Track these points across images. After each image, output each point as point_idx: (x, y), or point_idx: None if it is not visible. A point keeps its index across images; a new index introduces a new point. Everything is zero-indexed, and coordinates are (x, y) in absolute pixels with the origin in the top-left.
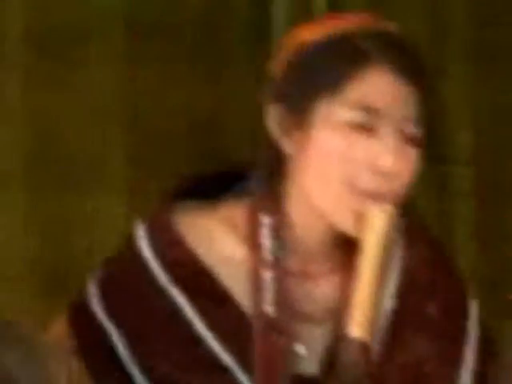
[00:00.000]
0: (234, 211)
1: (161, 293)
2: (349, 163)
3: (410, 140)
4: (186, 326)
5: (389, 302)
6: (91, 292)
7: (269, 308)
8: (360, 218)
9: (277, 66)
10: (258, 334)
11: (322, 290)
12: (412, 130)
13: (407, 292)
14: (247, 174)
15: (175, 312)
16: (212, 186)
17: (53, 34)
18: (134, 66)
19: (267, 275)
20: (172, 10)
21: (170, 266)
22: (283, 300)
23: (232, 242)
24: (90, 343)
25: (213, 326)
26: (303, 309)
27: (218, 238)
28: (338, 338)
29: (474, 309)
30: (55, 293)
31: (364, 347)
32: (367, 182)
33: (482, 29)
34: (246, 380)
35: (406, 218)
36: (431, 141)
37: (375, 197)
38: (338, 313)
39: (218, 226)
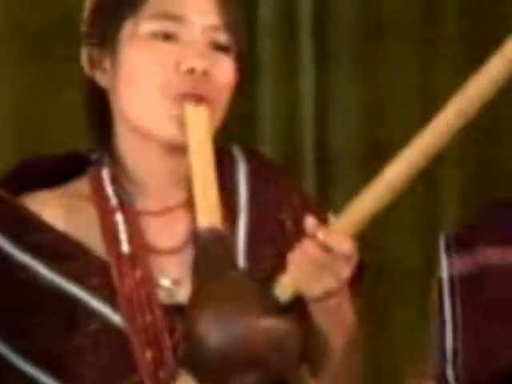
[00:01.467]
0: (81, 181)
1: (11, 263)
2: (158, 72)
3: (221, 48)
4: (48, 284)
5: (242, 219)
6: None
7: (124, 247)
8: (181, 122)
9: (86, 11)
10: (117, 274)
11: (176, 222)
12: (220, 37)
13: (257, 206)
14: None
15: (31, 275)
16: (63, 170)
17: (41, 31)
18: None
19: (118, 218)
20: None
21: (16, 234)
22: (136, 238)
23: (80, 206)
24: None
25: (75, 278)
26: (160, 244)
27: (68, 205)
28: (194, 234)
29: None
30: None
31: (217, 233)
32: (179, 85)
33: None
34: (118, 321)
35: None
36: None
37: (191, 98)
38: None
39: (64, 193)
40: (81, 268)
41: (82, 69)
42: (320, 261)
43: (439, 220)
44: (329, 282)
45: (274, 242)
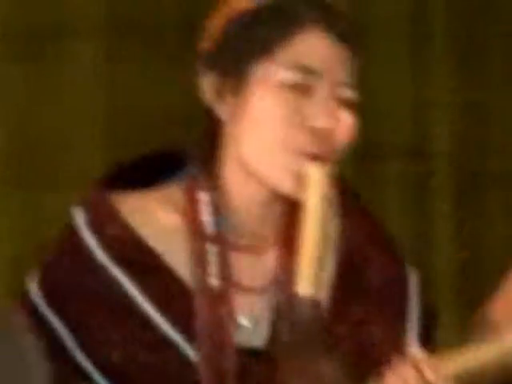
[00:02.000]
0: (173, 190)
1: (100, 272)
2: (284, 124)
3: (346, 103)
4: (128, 302)
5: (331, 273)
6: (33, 281)
7: (213, 281)
8: (298, 178)
9: (209, 35)
10: (202, 307)
11: (264, 262)
12: (348, 93)
13: (347, 266)
14: (187, 156)
15: (117, 291)
16: (151, 171)
17: (32, 31)
18: (113, 65)
19: (211, 249)
20: (151, 10)
21: (107, 242)
22: (227, 273)
23: (172, 220)
24: (37, 334)
25: (156, 302)
26: (246, 281)
27: (159, 217)
28: (288, 299)
29: (413, 277)
30: None
31: (315, 303)
32: (303, 142)
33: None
34: (193, 354)
35: (340, 188)
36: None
37: (312, 157)
38: (281, 284)
39: (158, 204)
40: (164, 290)
41: (73, 69)
42: None
43: None
44: None
45: (361, 298)
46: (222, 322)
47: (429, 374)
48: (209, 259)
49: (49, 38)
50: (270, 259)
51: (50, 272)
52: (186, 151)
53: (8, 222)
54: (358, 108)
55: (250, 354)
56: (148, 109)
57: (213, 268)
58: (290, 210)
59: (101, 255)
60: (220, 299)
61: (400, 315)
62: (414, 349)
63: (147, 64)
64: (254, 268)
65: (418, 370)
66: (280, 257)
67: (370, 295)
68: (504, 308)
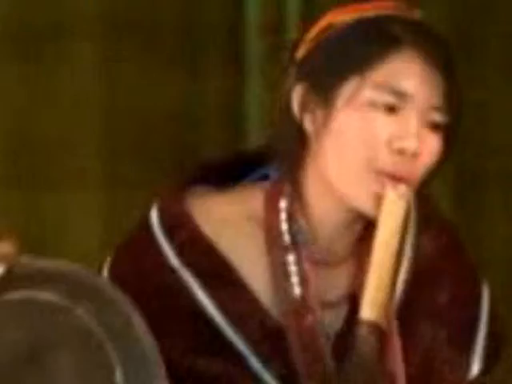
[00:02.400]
0: (250, 195)
1: (172, 275)
2: (369, 144)
3: (434, 127)
4: (199, 312)
5: (399, 291)
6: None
7: (296, 290)
8: (380, 200)
9: (303, 46)
10: (288, 318)
11: (338, 275)
12: (436, 117)
13: (418, 281)
14: (265, 160)
15: (188, 297)
16: (228, 172)
17: (30, 30)
18: (112, 66)
19: (290, 258)
20: (149, 11)
21: (180, 248)
22: (308, 285)
23: (249, 227)
24: None
25: (225, 310)
26: (321, 294)
27: (235, 224)
28: (352, 321)
29: (485, 296)
30: None
31: (376, 328)
32: (387, 163)
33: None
34: (261, 367)
35: (419, 205)
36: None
37: (395, 179)
38: (353, 299)
39: (232, 208)
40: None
41: (72, 69)
42: None
43: None
44: None
45: (429, 317)
46: (313, 332)
47: None
48: (289, 269)
49: (47, 38)
50: (344, 273)
51: (121, 271)
52: (258, 153)
53: (6, 221)
54: None
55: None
56: (146, 109)
57: (294, 279)
58: (367, 227)
59: (174, 260)
60: (305, 308)
61: (468, 335)
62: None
63: (146, 64)
64: (328, 282)
65: None
66: (354, 272)
67: (438, 314)
68: None
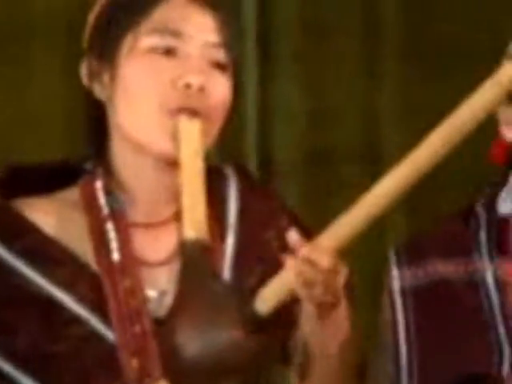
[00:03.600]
0: (71, 190)
1: (4, 268)
2: (156, 87)
3: (218, 65)
4: (33, 290)
5: (231, 235)
6: None
7: (114, 255)
8: (175, 137)
9: (87, 25)
10: (107, 280)
11: (164, 235)
12: (217, 54)
13: (246, 224)
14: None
15: (23, 281)
16: (50, 180)
17: None
18: (76, 66)
19: (109, 227)
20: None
21: (7, 239)
22: (127, 248)
23: (70, 211)
24: None
25: (61, 284)
26: (149, 256)
27: (54, 211)
28: (180, 243)
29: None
30: None
31: (202, 245)
32: (175, 99)
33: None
34: (104, 328)
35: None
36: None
37: (185, 112)
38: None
39: (54, 202)
40: (69, 274)
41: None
42: (306, 275)
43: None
44: (319, 296)
45: (260, 260)
46: (132, 295)
47: (311, 256)
48: (109, 237)
49: (13, 40)
50: (172, 232)
51: None
52: (82, 161)
53: None
54: (310, 112)
55: (162, 323)
56: None
57: (113, 244)
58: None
59: (1, 251)
60: (124, 272)
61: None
62: (292, 236)
63: None
64: (157, 242)
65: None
66: (178, 231)
67: (270, 254)
68: None
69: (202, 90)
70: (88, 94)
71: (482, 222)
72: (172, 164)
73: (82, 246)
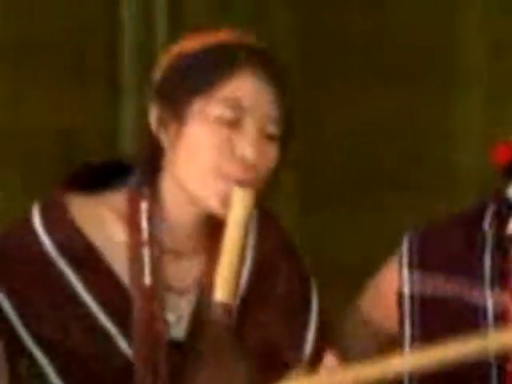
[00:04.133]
0: (118, 198)
1: (51, 265)
2: (216, 153)
3: (270, 137)
4: (69, 291)
5: (242, 286)
6: None
7: (146, 279)
8: (225, 200)
9: (158, 69)
10: (137, 302)
11: (190, 266)
12: (272, 128)
13: (258, 276)
14: (133, 167)
15: (63, 283)
16: (101, 176)
17: None
18: (21, 86)
19: (145, 252)
20: (43, 33)
21: (59, 241)
22: (158, 273)
23: (115, 224)
24: None
25: (96, 295)
26: (174, 282)
27: (104, 220)
28: (205, 304)
29: (314, 291)
30: None
31: (227, 308)
32: (231, 169)
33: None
34: (126, 344)
35: (259, 209)
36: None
37: (237, 182)
38: (203, 286)
39: (104, 209)
40: (104, 284)
41: None
42: None
43: None
44: None
45: (268, 307)
46: (154, 316)
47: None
48: (143, 261)
49: None
50: (195, 263)
51: (1, 257)
52: (131, 163)
53: None
54: None
55: (172, 345)
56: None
57: (146, 269)
58: (216, 226)
59: (52, 251)
60: (152, 296)
61: (302, 324)
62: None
63: (51, 87)
64: (182, 272)
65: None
66: (204, 263)
67: (276, 303)
68: (373, 300)
69: (255, 163)
70: (155, 138)
71: (488, 244)
72: (212, 217)
73: (116, 259)
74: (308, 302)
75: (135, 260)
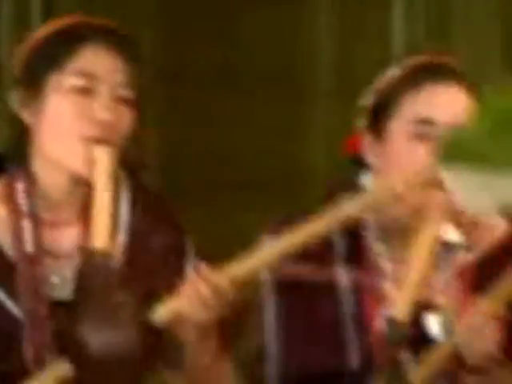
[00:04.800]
0: None
1: None
2: (75, 119)
3: (124, 101)
4: None
5: (121, 240)
6: None
7: (28, 247)
8: (88, 161)
9: (16, 60)
10: (21, 268)
11: (70, 233)
12: (124, 92)
13: (135, 231)
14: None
15: None
16: None
17: None
18: None
19: (25, 224)
20: None
21: None
22: (38, 241)
23: None
24: None
25: None
26: (55, 248)
27: None
28: (87, 257)
29: (190, 247)
30: None
31: (108, 253)
32: (90, 132)
33: None
34: (14, 307)
35: (130, 174)
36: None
37: (98, 142)
38: (82, 249)
39: None
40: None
41: None
42: (205, 296)
43: None
44: (204, 314)
45: (143, 266)
46: (37, 280)
47: (214, 278)
48: (23, 232)
49: None
50: (72, 230)
51: None
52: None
53: None
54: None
55: (59, 304)
56: None
57: (27, 238)
58: (90, 195)
59: None
60: (34, 261)
61: (179, 270)
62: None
63: None
64: (63, 239)
65: (208, 282)
66: (80, 229)
67: (153, 257)
68: None
69: (112, 124)
70: (18, 117)
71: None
72: (80, 179)
73: (2, 236)
74: (183, 251)
75: (16, 232)
